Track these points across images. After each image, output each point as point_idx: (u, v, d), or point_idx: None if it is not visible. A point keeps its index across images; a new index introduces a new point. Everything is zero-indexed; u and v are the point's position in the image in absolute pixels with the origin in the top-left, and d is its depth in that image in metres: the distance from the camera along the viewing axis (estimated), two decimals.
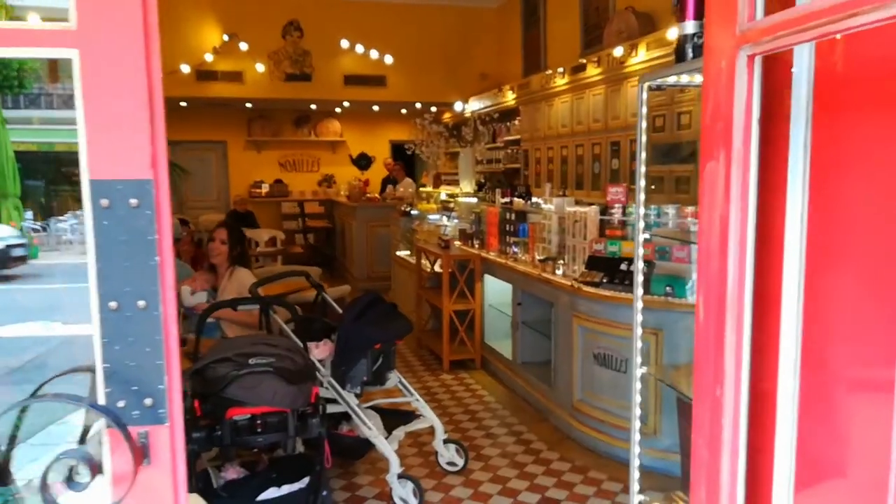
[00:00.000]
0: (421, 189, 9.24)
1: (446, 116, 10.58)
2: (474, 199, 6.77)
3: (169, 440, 1.29)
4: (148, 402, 1.27)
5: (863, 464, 1.39)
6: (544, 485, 3.48)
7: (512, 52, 10.42)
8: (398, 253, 7.58)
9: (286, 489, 2.77)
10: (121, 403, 1.25)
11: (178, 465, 1.31)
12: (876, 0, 0.93)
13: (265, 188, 11.65)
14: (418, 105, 10.75)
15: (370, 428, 3.29)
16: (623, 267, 3.85)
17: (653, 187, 5.96)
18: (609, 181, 6.88)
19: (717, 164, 1.37)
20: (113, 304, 1.24)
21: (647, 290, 3.48)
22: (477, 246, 5.90)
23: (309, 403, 2.87)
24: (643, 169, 2.06)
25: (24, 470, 2.05)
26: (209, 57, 9.17)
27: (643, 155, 2.05)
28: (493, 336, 5.54)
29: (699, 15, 1.84)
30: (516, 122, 9.49)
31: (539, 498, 3.35)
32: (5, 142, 11.93)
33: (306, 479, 2.77)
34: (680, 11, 1.87)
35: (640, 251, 2.01)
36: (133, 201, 1.23)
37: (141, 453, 1.26)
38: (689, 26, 1.89)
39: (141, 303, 1.25)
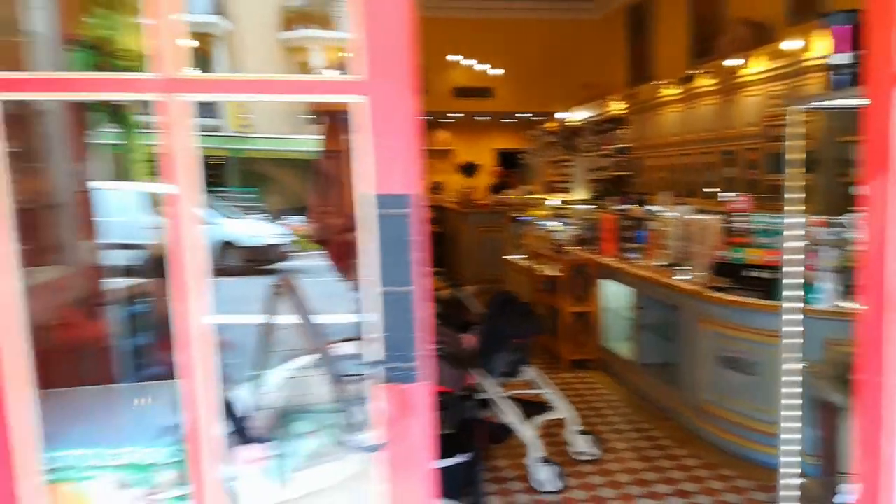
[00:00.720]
0: (530, 196, 9.54)
1: (548, 126, 10.84)
2: (589, 206, 7.00)
3: (423, 395, 1.65)
4: (409, 364, 1.64)
5: None
6: (676, 478, 3.68)
7: (615, 62, 10.55)
8: (509, 257, 7.89)
9: (452, 460, 3.12)
10: (392, 365, 1.63)
11: (430, 415, 1.67)
12: None
13: None
14: (523, 115, 11.08)
15: (514, 415, 3.62)
16: (748, 273, 4.00)
17: (767, 195, 6.01)
18: (723, 189, 6.93)
19: (877, 184, 1.61)
20: (387, 289, 1.61)
21: (775, 296, 3.62)
22: (592, 251, 6.12)
23: (465, 388, 3.25)
24: (797, 184, 2.30)
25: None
26: None
27: (796, 170, 2.29)
28: (611, 337, 5.75)
29: (851, 48, 2.07)
30: (619, 131, 9.65)
31: (672, 490, 3.55)
32: (139, 145, 13.18)
33: (469, 453, 3.12)
34: (834, 45, 2.10)
35: (796, 257, 2.24)
36: (403, 210, 1.60)
37: (408, 405, 1.63)
38: (839, 58, 2.12)
39: (405, 288, 1.62)
